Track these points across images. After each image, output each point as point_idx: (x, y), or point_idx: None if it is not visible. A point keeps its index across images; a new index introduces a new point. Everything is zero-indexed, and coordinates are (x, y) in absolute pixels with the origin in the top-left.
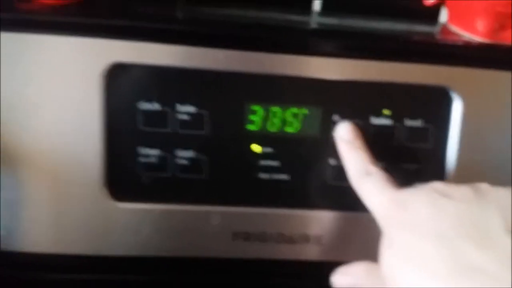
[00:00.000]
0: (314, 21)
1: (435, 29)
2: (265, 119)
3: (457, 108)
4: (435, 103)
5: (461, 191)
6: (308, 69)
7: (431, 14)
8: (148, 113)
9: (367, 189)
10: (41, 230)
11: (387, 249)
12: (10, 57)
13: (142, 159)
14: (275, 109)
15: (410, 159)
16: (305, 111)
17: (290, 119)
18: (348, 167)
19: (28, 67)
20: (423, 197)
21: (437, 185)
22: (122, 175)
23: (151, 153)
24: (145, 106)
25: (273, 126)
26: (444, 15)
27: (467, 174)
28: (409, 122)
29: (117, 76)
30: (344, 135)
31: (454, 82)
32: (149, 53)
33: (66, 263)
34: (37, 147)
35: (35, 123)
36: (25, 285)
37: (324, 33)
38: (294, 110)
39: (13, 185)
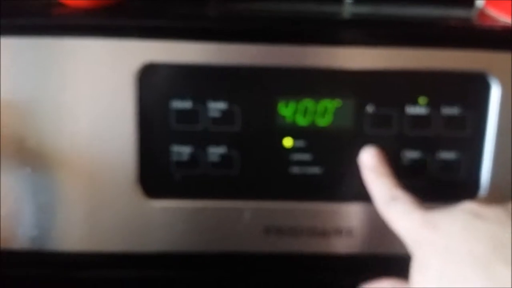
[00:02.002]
0: (347, 11)
1: (472, 14)
2: (297, 112)
3: (495, 94)
4: (472, 89)
5: (494, 212)
6: (341, 60)
7: None
8: (180, 111)
9: (394, 214)
10: (76, 229)
11: (419, 273)
12: (45, 61)
13: (175, 157)
14: (307, 102)
15: (448, 148)
16: (337, 103)
17: (322, 112)
18: (373, 195)
19: (62, 70)
20: (455, 219)
21: (469, 206)
22: (155, 172)
23: (183, 151)
24: (177, 104)
25: (304, 120)
26: None
27: (505, 163)
28: (446, 110)
29: (149, 76)
30: (368, 162)
31: (492, 68)
32: (179, 52)
33: (101, 261)
34: (72, 148)
35: (70, 124)
36: (61, 283)
37: (356, 22)
38: (326, 102)
39: (49, 186)
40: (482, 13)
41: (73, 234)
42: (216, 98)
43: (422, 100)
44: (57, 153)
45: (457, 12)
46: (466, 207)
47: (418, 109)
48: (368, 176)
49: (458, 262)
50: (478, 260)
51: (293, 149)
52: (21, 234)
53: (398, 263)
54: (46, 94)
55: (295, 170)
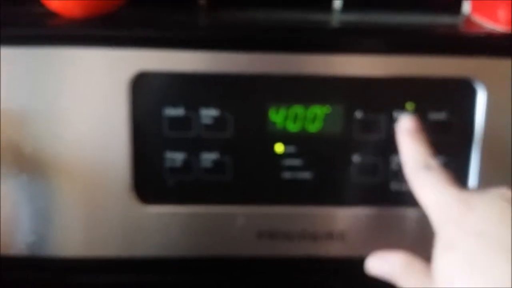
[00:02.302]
0: (335, 19)
1: (458, 21)
2: (287, 119)
3: (481, 100)
4: (458, 95)
5: None
6: (330, 67)
7: (454, 6)
8: (173, 118)
9: (424, 184)
10: (73, 234)
11: (446, 252)
12: (41, 70)
13: (168, 163)
14: (297, 108)
15: (435, 152)
16: (327, 109)
17: (312, 118)
18: (405, 159)
19: (58, 79)
20: (493, 203)
21: (505, 192)
22: (149, 178)
23: (176, 157)
24: (170, 111)
25: (295, 126)
26: (467, 7)
27: (492, 167)
28: (433, 115)
29: (142, 84)
30: (405, 125)
31: (477, 73)
32: (172, 61)
33: (97, 266)
34: (68, 155)
35: (66, 132)
36: None
37: (344, 31)
38: (316, 108)
39: (46, 193)
40: (468, 20)
41: (70, 239)
42: (208, 105)
43: (409, 105)
44: (53, 160)
45: (444, 19)
46: (505, 194)
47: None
48: (403, 140)
49: (490, 248)
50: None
51: (284, 155)
52: (18, 240)
53: None
54: (42, 102)
55: (287, 175)
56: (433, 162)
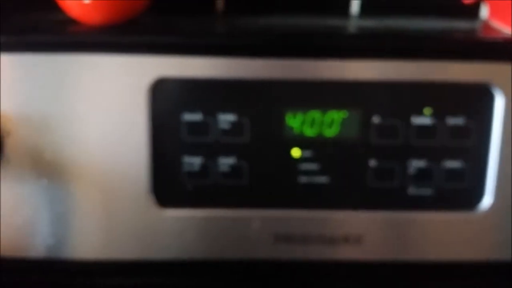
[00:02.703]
0: (352, 24)
1: (476, 26)
2: (304, 123)
3: (499, 104)
4: (477, 100)
5: None
6: (347, 72)
7: (472, 11)
8: (191, 123)
9: None
10: (91, 237)
11: None
12: (62, 76)
13: (186, 167)
14: (314, 113)
15: (453, 157)
16: (344, 114)
17: (329, 123)
18: None
19: (78, 85)
20: None
21: None
22: (167, 182)
23: (194, 161)
24: (188, 116)
25: (312, 130)
26: (484, 11)
27: (509, 171)
28: (450, 120)
29: (161, 90)
30: None
31: (495, 78)
32: (190, 67)
33: (115, 268)
34: (87, 159)
35: (85, 137)
36: None
37: (362, 36)
38: (333, 113)
39: (64, 196)
40: (486, 25)
41: (88, 242)
42: (225, 111)
43: (427, 110)
44: (72, 164)
45: (462, 24)
46: None
47: (423, 120)
48: None
49: None
50: None
51: (301, 159)
52: (38, 243)
53: (404, 270)
54: (63, 107)
55: (303, 179)
56: None
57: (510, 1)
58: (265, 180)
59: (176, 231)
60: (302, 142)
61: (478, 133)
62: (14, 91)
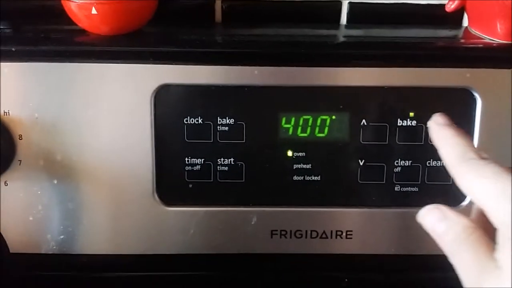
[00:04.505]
0: (342, 33)
1: (459, 33)
2: (297, 126)
3: (480, 107)
4: (458, 103)
5: None
6: (336, 79)
7: (455, 19)
8: (192, 127)
9: (479, 173)
10: (100, 234)
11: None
12: (71, 83)
13: (188, 168)
14: (306, 117)
15: (437, 157)
16: (334, 117)
17: (320, 125)
18: (446, 153)
19: (85, 91)
20: None
21: None
22: (171, 182)
23: (196, 162)
24: (189, 120)
25: (304, 133)
26: (466, 19)
27: None
28: None
29: (164, 96)
30: (440, 120)
31: (476, 83)
32: (191, 74)
33: (122, 262)
34: (95, 161)
35: (92, 140)
36: (86, 284)
37: (350, 44)
38: (324, 116)
39: (74, 196)
40: (467, 32)
41: (97, 239)
42: (224, 115)
43: (412, 114)
44: (81, 166)
45: (446, 32)
46: None
47: (408, 122)
48: (441, 133)
49: None
50: None
51: (295, 159)
52: (49, 239)
53: (392, 262)
54: (72, 112)
55: (297, 178)
56: (485, 155)
57: (486, 11)
58: (261, 179)
59: (179, 227)
60: (296, 144)
61: None
62: (26, 97)
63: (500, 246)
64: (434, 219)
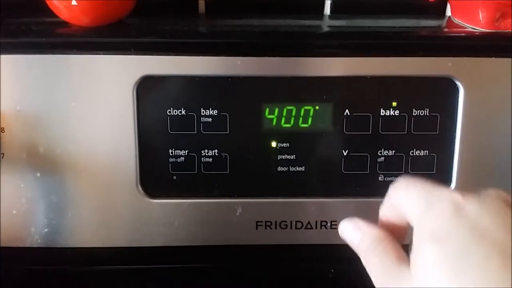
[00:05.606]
0: (325, 24)
1: (442, 23)
2: (281, 117)
3: (462, 96)
4: (441, 92)
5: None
6: (319, 69)
7: (438, 9)
8: (176, 118)
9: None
10: (84, 227)
11: (433, 243)
12: (53, 75)
13: (172, 160)
14: (290, 107)
15: (420, 147)
16: (317, 107)
17: (303, 116)
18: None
19: (68, 83)
20: (487, 200)
21: (501, 193)
22: (155, 174)
23: (179, 154)
24: (173, 112)
25: (288, 123)
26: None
27: (473, 158)
28: (416, 112)
29: (147, 87)
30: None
31: (458, 72)
32: (174, 65)
33: (107, 255)
34: (79, 153)
35: (76, 133)
36: (71, 277)
37: (333, 34)
38: (307, 107)
39: (58, 188)
40: (450, 22)
41: (81, 232)
42: (208, 106)
43: (395, 103)
44: (65, 158)
45: (429, 22)
46: (500, 194)
47: (391, 112)
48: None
49: (483, 242)
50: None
51: (279, 150)
52: (33, 232)
53: None
54: (54, 105)
55: (281, 169)
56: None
57: (469, 0)
58: (246, 170)
59: (164, 219)
60: (280, 134)
61: (442, 124)
62: (8, 90)
63: (418, 246)
64: (350, 232)
